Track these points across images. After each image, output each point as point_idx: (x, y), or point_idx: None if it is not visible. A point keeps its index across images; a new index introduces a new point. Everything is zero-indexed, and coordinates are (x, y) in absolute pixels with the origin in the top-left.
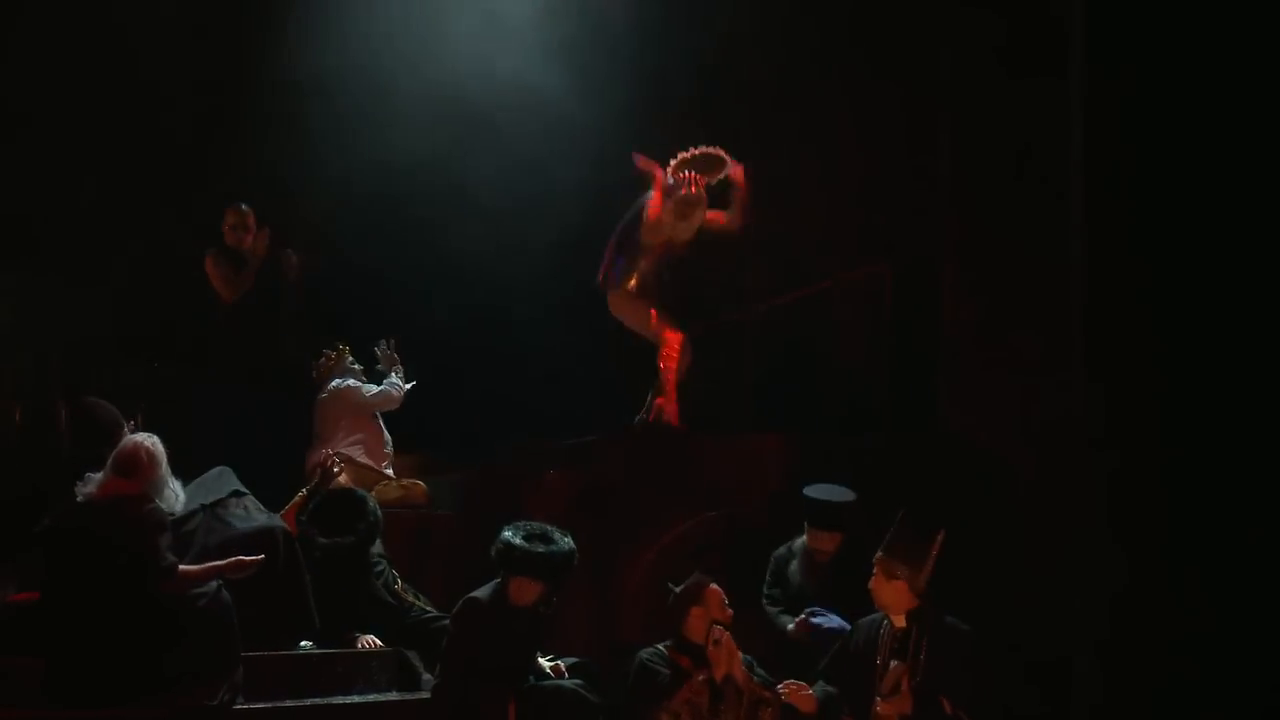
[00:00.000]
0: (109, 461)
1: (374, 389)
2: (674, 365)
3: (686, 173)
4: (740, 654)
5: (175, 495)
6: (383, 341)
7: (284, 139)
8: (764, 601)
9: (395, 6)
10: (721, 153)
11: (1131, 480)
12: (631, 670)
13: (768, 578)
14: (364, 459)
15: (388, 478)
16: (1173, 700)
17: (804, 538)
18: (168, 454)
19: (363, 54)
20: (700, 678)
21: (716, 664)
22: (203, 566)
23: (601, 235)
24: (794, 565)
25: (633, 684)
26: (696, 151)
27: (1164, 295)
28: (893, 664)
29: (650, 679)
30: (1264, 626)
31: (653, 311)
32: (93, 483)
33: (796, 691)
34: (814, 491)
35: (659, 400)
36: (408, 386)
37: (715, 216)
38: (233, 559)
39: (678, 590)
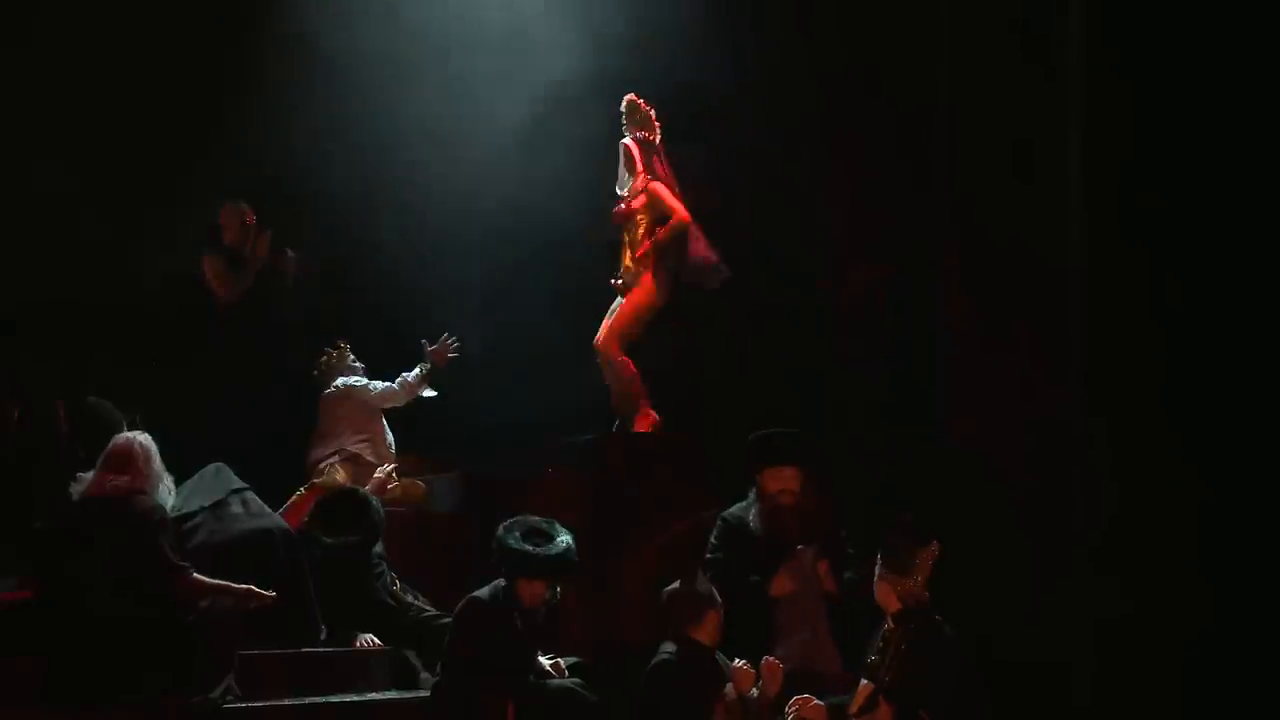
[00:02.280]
0: (100, 459)
1: (379, 386)
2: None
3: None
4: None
5: (168, 491)
6: (450, 340)
7: (282, 137)
8: (706, 563)
9: None
10: (644, 107)
11: (1132, 482)
12: (655, 675)
13: (713, 540)
14: (371, 458)
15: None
16: (1170, 704)
17: (752, 494)
18: (166, 453)
19: (359, 50)
20: (732, 696)
21: (742, 681)
22: (215, 582)
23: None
24: (753, 520)
25: (658, 689)
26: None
27: (1165, 292)
28: (862, 682)
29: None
30: (1264, 631)
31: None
32: (85, 481)
33: (806, 705)
34: (760, 432)
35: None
36: (429, 394)
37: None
38: (246, 587)
39: (686, 591)
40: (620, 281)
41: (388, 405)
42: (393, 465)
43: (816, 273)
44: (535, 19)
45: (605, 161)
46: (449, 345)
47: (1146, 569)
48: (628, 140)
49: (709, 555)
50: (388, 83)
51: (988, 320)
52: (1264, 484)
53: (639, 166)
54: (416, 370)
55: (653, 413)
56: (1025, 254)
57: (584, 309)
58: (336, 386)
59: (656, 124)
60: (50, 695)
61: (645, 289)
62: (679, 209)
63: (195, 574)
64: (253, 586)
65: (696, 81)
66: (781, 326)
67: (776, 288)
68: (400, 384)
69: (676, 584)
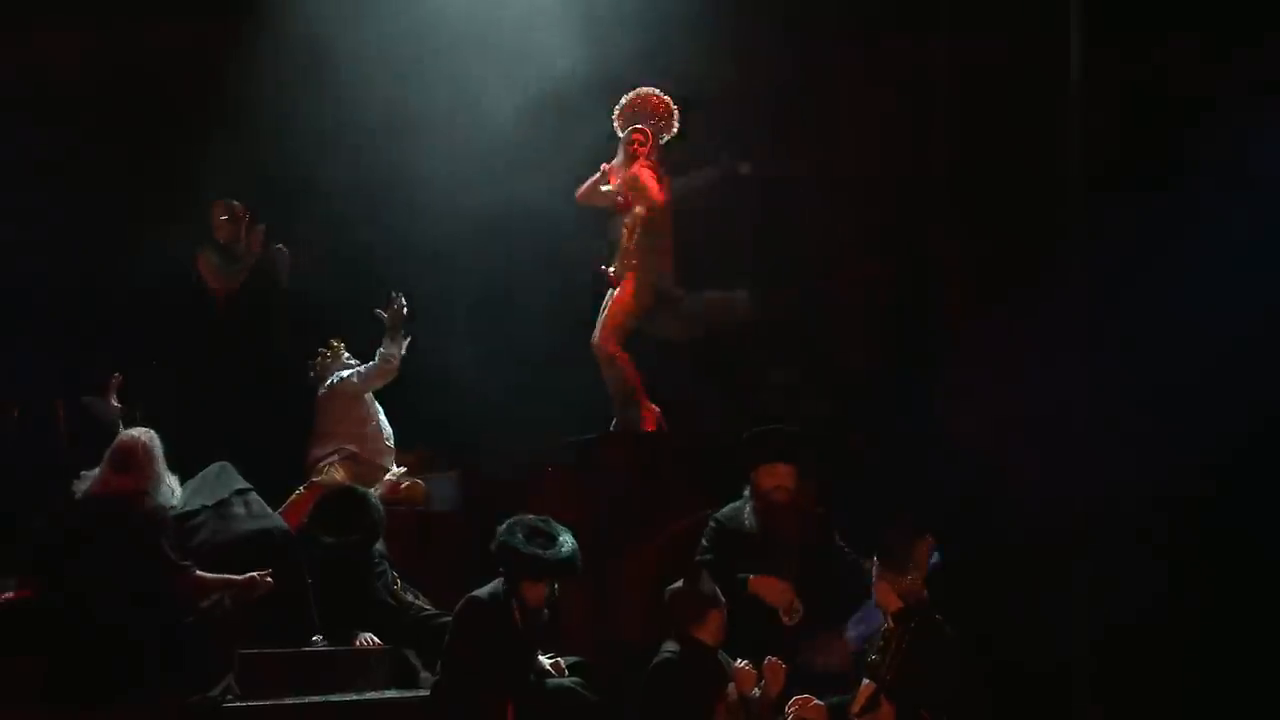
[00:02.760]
0: (105, 457)
1: (364, 368)
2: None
3: (636, 128)
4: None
5: (171, 490)
6: (396, 298)
7: (279, 135)
8: (701, 563)
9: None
10: (661, 100)
11: (1132, 480)
12: (657, 674)
13: (704, 543)
14: (369, 455)
15: (389, 473)
16: (1170, 703)
17: (746, 492)
18: (165, 451)
19: (357, 48)
20: (733, 696)
21: (744, 681)
22: (218, 577)
23: (601, 231)
24: (747, 519)
25: (660, 688)
26: (628, 98)
27: (1165, 291)
28: (864, 682)
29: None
30: (1264, 632)
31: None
32: (89, 480)
33: (805, 705)
34: (755, 429)
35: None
36: (405, 341)
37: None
38: (248, 575)
39: (689, 591)
40: (612, 270)
41: (377, 385)
42: (404, 469)
43: (816, 271)
44: (535, 17)
45: (607, 161)
46: (397, 303)
47: (1147, 568)
48: (643, 126)
49: (699, 557)
50: (386, 81)
51: (988, 319)
52: (1264, 483)
53: (640, 156)
54: (385, 340)
55: (654, 407)
56: (1025, 254)
57: (584, 309)
58: (328, 384)
59: (673, 124)
60: (50, 695)
61: (628, 284)
62: (654, 198)
63: (198, 572)
64: (254, 575)
65: (696, 80)
66: (781, 325)
67: (776, 286)
68: (379, 357)
69: (679, 583)
